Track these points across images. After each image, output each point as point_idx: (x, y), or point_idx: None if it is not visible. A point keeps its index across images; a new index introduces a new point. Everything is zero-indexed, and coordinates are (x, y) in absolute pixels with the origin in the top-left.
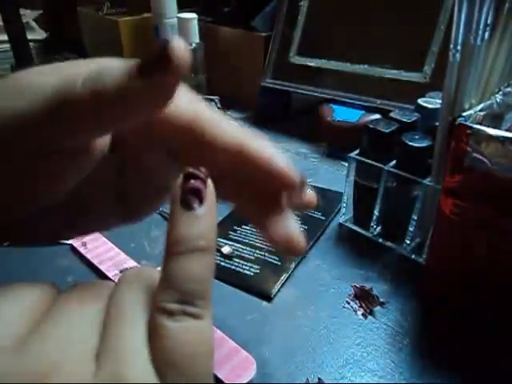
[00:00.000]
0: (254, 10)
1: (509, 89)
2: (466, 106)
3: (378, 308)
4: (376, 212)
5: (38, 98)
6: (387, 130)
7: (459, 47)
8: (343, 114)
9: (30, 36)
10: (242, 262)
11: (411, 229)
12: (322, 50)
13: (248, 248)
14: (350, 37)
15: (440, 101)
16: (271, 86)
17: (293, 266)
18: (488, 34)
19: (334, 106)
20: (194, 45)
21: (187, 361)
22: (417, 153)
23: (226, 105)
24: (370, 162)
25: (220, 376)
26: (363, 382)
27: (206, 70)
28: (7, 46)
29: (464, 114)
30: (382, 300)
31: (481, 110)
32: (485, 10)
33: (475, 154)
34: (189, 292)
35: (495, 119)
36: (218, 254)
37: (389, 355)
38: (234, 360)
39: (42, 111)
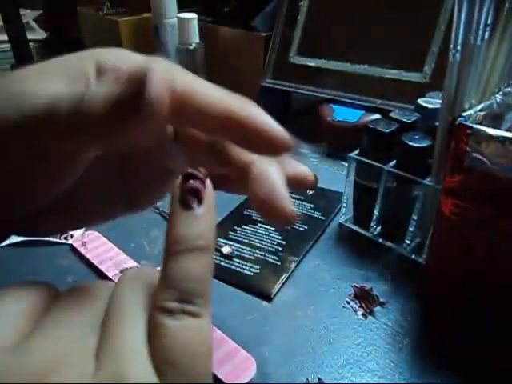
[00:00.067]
0: (254, 10)
1: (509, 89)
2: (466, 106)
3: (378, 308)
4: (376, 212)
5: (26, 111)
6: (387, 130)
7: (459, 47)
8: (343, 114)
9: (30, 36)
10: (242, 261)
11: (411, 229)
12: (322, 50)
13: (248, 248)
14: (349, 37)
15: (440, 101)
16: (271, 85)
17: (293, 266)
18: (488, 34)
19: (334, 106)
20: (194, 45)
21: (186, 359)
22: (417, 153)
23: None
24: (369, 162)
25: (220, 376)
26: (363, 382)
27: (205, 70)
28: (7, 45)
29: (464, 114)
30: (382, 300)
31: (481, 110)
32: (485, 9)
33: (475, 154)
34: (188, 291)
35: (495, 119)
36: (218, 253)
37: (389, 355)
38: (234, 360)
39: (29, 121)
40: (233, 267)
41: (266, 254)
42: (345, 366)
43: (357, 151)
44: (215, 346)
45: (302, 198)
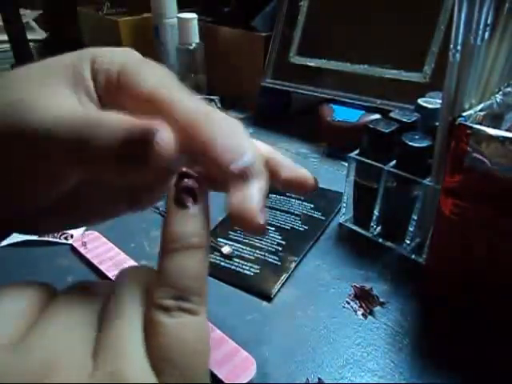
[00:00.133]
0: (254, 10)
1: (509, 89)
2: (466, 106)
3: (378, 308)
4: (376, 212)
5: (28, 122)
6: (387, 130)
7: (459, 47)
8: (343, 114)
9: (30, 36)
10: (242, 261)
11: (411, 229)
12: (322, 50)
13: (248, 248)
14: (349, 37)
15: (440, 101)
16: (271, 85)
17: (293, 266)
18: (488, 34)
19: (334, 106)
20: (194, 45)
21: (184, 357)
22: (417, 153)
23: (226, 105)
24: (369, 162)
25: (220, 376)
26: (363, 382)
27: (205, 70)
28: (7, 45)
29: (464, 114)
30: (382, 300)
31: (481, 110)
32: (485, 9)
33: (475, 154)
34: (184, 288)
35: (495, 119)
36: (218, 253)
37: (389, 355)
38: (234, 360)
39: (31, 133)
40: (233, 267)
41: (266, 254)
42: (345, 366)
43: (357, 151)
44: (215, 346)
45: (301, 198)
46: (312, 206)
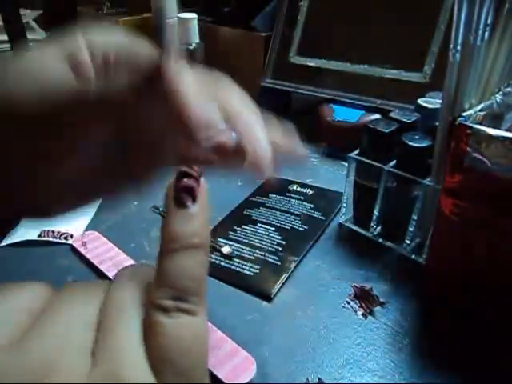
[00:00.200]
0: (254, 10)
1: (509, 89)
2: (466, 106)
3: (378, 308)
4: (376, 212)
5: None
6: (387, 130)
7: (459, 47)
8: (343, 114)
9: (29, 36)
10: (242, 261)
11: (411, 229)
12: (322, 50)
13: (248, 248)
14: (349, 37)
15: (440, 101)
16: (271, 85)
17: (293, 266)
18: (488, 34)
19: (334, 106)
20: (194, 45)
21: (182, 358)
22: (417, 153)
23: None
24: (370, 162)
25: (220, 376)
26: (363, 382)
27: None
28: (7, 46)
29: (464, 114)
30: (382, 300)
31: (481, 110)
32: (485, 9)
33: (475, 154)
34: (183, 288)
35: (495, 119)
36: (218, 253)
37: (389, 355)
38: (234, 360)
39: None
40: (233, 267)
41: (266, 254)
42: (345, 366)
43: (357, 151)
44: (215, 346)
45: (301, 198)
46: (312, 205)
